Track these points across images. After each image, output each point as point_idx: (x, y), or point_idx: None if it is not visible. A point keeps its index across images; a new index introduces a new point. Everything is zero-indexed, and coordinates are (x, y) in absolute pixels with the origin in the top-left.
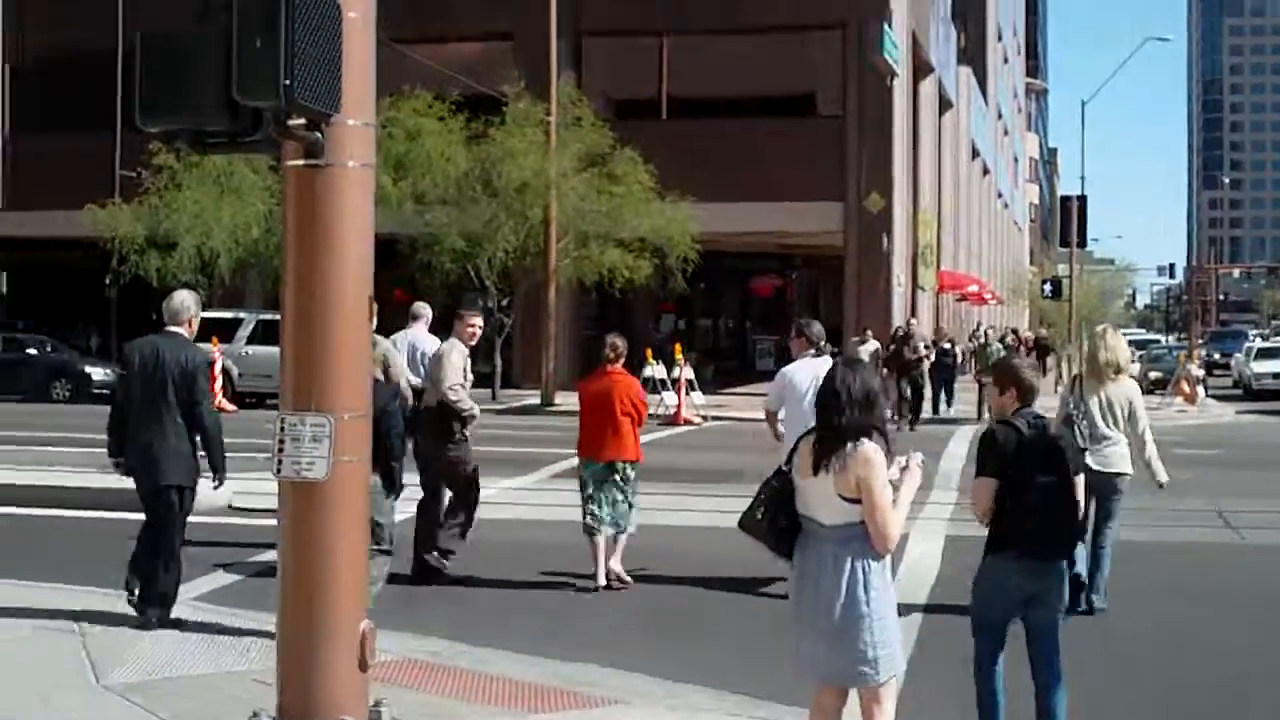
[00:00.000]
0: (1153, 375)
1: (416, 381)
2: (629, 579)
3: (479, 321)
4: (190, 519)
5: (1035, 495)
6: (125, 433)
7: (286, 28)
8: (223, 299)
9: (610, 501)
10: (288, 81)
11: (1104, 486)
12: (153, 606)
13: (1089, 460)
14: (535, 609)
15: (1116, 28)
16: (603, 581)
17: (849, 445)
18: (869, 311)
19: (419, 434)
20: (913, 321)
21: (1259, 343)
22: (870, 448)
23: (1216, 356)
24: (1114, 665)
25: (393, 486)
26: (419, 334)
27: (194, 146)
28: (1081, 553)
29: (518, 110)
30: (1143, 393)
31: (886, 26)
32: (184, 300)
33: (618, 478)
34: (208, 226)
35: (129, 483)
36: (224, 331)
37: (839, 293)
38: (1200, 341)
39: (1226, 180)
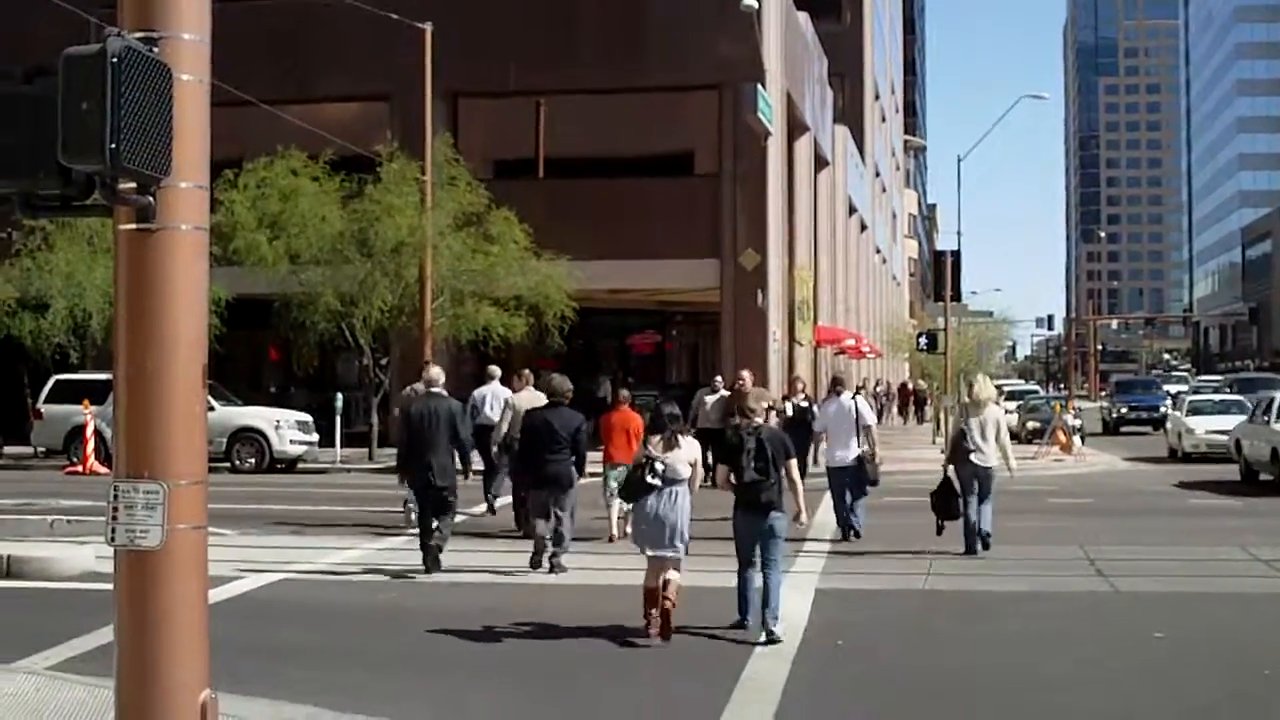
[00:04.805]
0: (1030, 425)
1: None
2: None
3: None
4: (52, 584)
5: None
6: (411, 455)
7: (113, 90)
8: (95, 360)
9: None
10: (114, 145)
11: (983, 475)
12: (436, 565)
13: (974, 459)
14: (399, 671)
15: (995, 86)
16: (616, 534)
17: (684, 438)
18: (746, 367)
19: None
20: (743, 375)
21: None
22: (692, 440)
23: (1124, 411)
24: (989, 711)
25: (581, 474)
26: (496, 388)
27: (25, 211)
28: (973, 510)
29: (392, 170)
30: (1021, 442)
31: (760, 87)
32: (438, 373)
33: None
34: (80, 287)
35: None
36: (96, 393)
37: (717, 348)
38: (1103, 393)
39: (1103, 234)
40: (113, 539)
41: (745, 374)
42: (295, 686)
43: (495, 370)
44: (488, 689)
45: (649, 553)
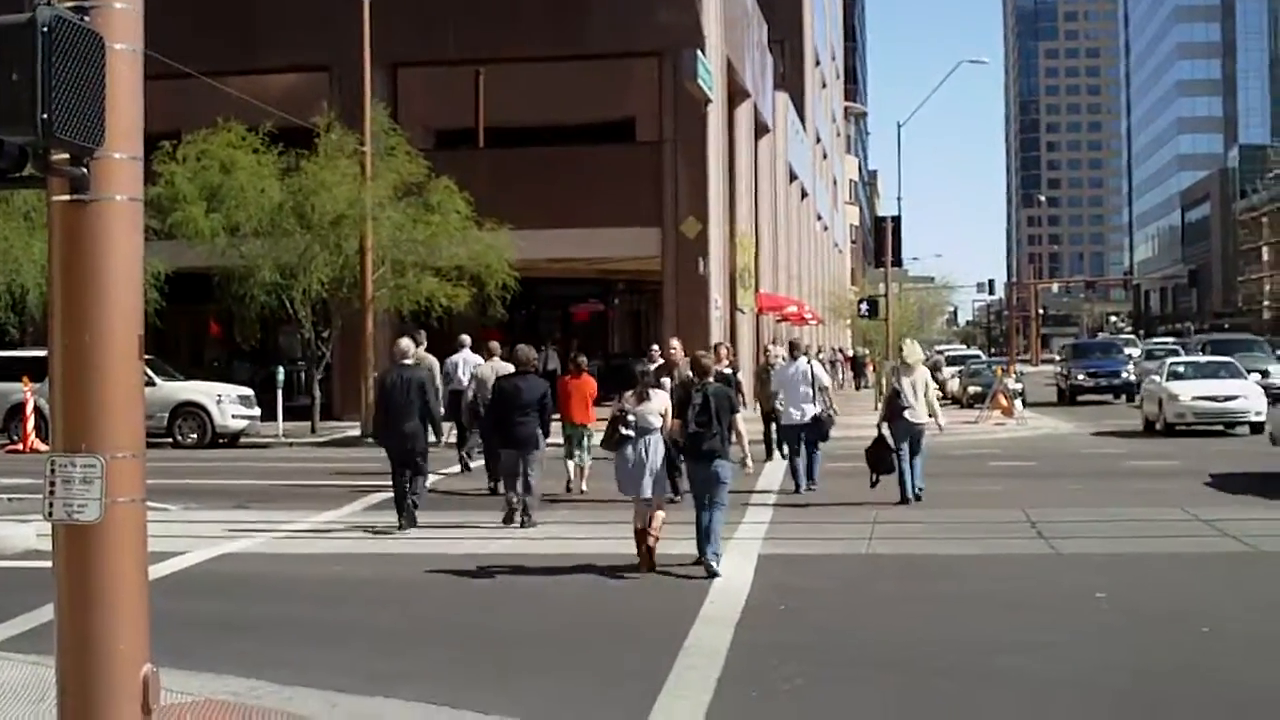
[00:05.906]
0: (972, 390)
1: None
2: (586, 489)
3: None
4: None
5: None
6: (386, 423)
7: (43, 60)
8: (34, 337)
9: (580, 446)
10: (45, 115)
11: (914, 431)
12: (412, 521)
13: (907, 416)
14: (344, 644)
15: (936, 52)
16: (574, 491)
17: (653, 391)
18: (689, 334)
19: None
20: (673, 344)
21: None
22: (663, 393)
23: (1080, 378)
24: (929, 674)
25: (545, 435)
26: (467, 355)
27: None
28: (907, 463)
29: (331, 141)
30: (963, 407)
31: (700, 54)
32: (407, 344)
33: (584, 434)
34: (17, 263)
35: None
36: (35, 370)
37: (660, 316)
38: (1059, 358)
39: (1043, 198)
40: (50, 514)
41: (675, 342)
42: (238, 660)
43: (465, 339)
44: (429, 660)
45: (631, 496)
